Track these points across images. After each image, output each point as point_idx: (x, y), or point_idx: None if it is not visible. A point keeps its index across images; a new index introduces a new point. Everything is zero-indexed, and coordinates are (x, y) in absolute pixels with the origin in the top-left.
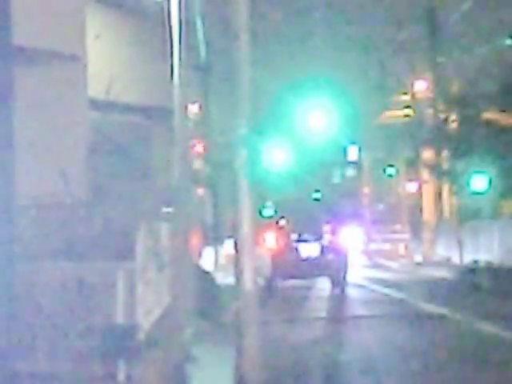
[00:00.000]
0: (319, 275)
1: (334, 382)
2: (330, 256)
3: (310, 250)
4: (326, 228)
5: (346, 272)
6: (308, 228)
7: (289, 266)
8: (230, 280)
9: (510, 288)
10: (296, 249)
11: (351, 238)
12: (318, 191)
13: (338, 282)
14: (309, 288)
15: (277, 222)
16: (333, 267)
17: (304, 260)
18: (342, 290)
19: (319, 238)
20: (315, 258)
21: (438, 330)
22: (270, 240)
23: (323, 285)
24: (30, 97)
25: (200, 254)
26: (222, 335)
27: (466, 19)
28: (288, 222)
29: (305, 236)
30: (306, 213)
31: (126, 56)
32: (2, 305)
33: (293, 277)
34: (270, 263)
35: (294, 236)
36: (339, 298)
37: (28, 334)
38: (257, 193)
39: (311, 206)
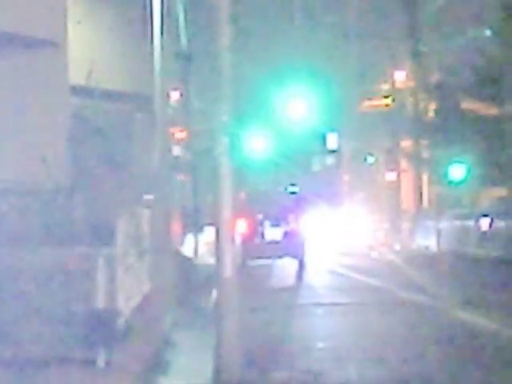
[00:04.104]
0: (281, 256)
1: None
2: (290, 240)
3: (274, 234)
4: (290, 217)
5: (303, 253)
6: (274, 216)
7: (256, 248)
8: (210, 267)
9: (476, 276)
10: (262, 234)
11: (324, 226)
12: (293, 184)
13: (298, 261)
14: (280, 269)
15: (247, 211)
16: (292, 249)
17: (269, 243)
18: (302, 269)
19: (283, 224)
20: (278, 242)
21: (408, 312)
22: (241, 226)
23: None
24: (11, 82)
25: (182, 241)
26: (201, 321)
27: (447, 9)
28: (257, 210)
29: (271, 223)
30: (274, 203)
31: (107, 43)
32: None
33: (259, 257)
34: (240, 246)
35: (262, 223)
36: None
37: (8, 319)
38: (235, 181)
39: (279, 197)
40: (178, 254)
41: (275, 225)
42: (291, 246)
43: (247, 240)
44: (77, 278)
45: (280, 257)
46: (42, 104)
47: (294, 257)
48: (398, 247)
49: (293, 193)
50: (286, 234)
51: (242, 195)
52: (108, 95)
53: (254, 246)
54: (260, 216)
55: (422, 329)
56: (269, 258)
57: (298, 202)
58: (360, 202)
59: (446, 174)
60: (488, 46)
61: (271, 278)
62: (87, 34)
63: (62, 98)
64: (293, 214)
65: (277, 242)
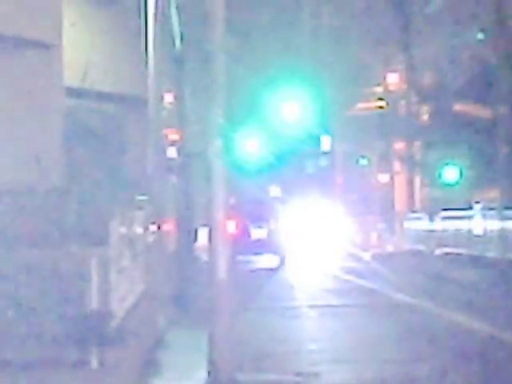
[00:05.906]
0: (265, 253)
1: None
2: (273, 239)
3: (259, 233)
4: (273, 219)
5: (284, 251)
6: (259, 218)
7: (244, 245)
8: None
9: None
10: (249, 233)
11: (315, 228)
12: (277, 189)
13: (279, 256)
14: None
15: (236, 213)
16: (274, 247)
17: (255, 242)
18: (282, 262)
19: (266, 225)
20: (263, 240)
21: (397, 314)
22: (231, 226)
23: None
24: (5, 84)
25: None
26: (195, 322)
27: (439, 12)
28: (244, 212)
29: (256, 223)
30: (258, 206)
31: (101, 45)
32: None
33: (247, 253)
34: (230, 244)
35: (249, 223)
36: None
37: (1, 320)
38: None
39: (263, 201)
40: (173, 255)
41: (259, 226)
42: (274, 244)
43: (236, 239)
44: (70, 279)
45: (264, 253)
46: (37, 105)
47: (276, 253)
48: (390, 249)
49: (276, 197)
50: (269, 233)
51: (232, 199)
52: (102, 97)
53: (243, 244)
54: (247, 218)
55: (411, 328)
56: (255, 254)
57: (280, 205)
58: (353, 204)
59: (439, 176)
60: (480, 48)
61: (257, 267)
62: (82, 36)
63: (57, 100)
64: (275, 216)
65: (262, 241)
